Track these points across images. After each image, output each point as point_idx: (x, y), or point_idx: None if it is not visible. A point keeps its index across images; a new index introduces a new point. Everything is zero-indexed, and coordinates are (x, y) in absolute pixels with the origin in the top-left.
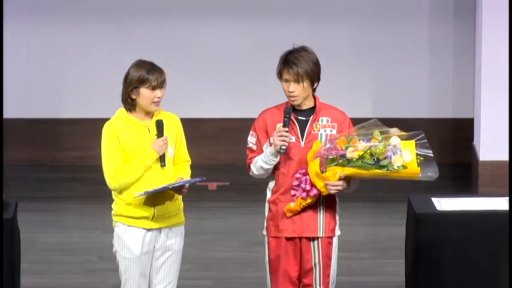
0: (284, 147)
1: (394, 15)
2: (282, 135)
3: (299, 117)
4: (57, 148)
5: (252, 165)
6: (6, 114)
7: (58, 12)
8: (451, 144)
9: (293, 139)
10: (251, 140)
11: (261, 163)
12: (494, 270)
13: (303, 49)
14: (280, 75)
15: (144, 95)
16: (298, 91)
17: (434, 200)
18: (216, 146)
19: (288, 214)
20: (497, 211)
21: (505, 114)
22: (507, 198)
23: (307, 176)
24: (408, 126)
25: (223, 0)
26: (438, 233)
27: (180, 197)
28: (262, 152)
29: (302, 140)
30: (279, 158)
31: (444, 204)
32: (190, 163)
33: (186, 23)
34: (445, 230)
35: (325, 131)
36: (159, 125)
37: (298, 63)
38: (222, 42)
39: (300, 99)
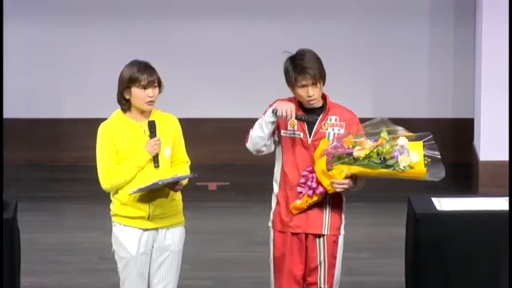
0: (276, 119)
1: (394, 15)
2: (289, 111)
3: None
4: (57, 148)
5: (249, 136)
6: (6, 114)
7: (58, 12)
8: (451, 144)
9: (301, 135)
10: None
11: (256, 129)
12: (495, 270)
13: (305, 51)
14: (294, 82)
15: (136, 94)
16: (317, 93)
17: (434, 200)
18: (216, 146)
19: (294, 212)
20: (497, 211)
21: (505, 114)
22: (507, 198)
23: (314, 174)
24: (408, 126)
25: (223, 0)
26: (438, 233)
27: (178, 197)
28: None
29: (310, 138)
30: (274, 125)
31: (444, 204)
32: (189, 164)
33: (186, 23)
34: (445, 230)
35: (333, 129)
36: (152, 125)
37: (312, 66)
38: (222, 42)
39: (317, 101)
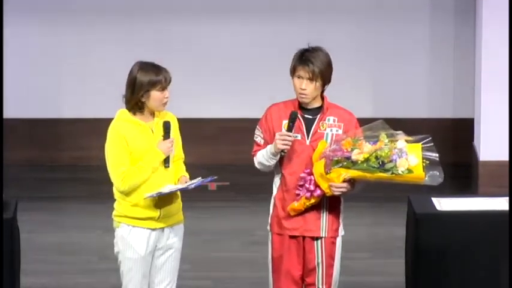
0: (285, 151)
1: (394, 14)
2: (285, 139)
3: (306, 116)
4: (57, 148)
5: (254, 159)
6: (6, 114)
7: (58, 12)
8: (451, 144)
9: (298, 137)
10: (258, 133)
11: (261, 159)
12: (495, 270)
13: (320, 49)
14: (294, 71)
15: (155, 97)
16: (310, 90)
17: (434, 200)
18: (216, 146)
19: (292, 213)
20: (497, 211)
21: (505, 114)
22: (507, 198)
23: (312, 176)
24: (408, 126)
25: (225, 0)
26: (438, 233)
27: (180, 196)
28: (267, 145)
29: (308, 139)
30: (278, 157)
31: (444, 204)
32: (183, 160)
33: (186, 22)
34: (445, 230)
35: (331, 130)
36: (166, 126)
37: (315, 62)
38: (222, 42)
39: (309, 98)
